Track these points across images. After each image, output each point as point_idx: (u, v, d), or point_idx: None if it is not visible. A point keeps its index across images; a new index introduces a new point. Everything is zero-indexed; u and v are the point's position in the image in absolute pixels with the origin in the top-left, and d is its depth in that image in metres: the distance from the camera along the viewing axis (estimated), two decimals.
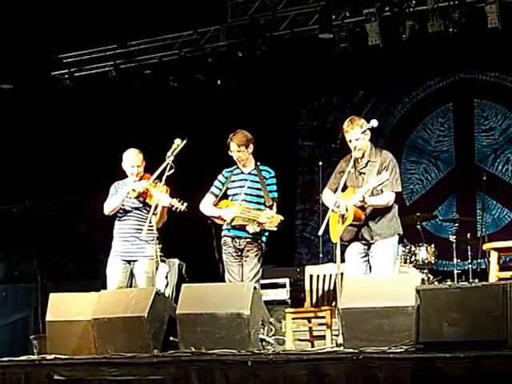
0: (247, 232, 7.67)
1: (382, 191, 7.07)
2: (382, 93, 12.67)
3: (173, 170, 7.72)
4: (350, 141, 7.17)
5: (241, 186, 7.82)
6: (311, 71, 12.05)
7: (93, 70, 12.57)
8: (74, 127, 12.81)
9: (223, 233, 7.81)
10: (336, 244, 7.03)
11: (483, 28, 10.16)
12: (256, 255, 7.72)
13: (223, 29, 11.74)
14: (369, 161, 7.19)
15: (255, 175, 7.86)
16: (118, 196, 8.11)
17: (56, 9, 11.36)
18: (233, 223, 7.66)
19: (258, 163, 7.93)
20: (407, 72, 11.93)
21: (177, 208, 7.76)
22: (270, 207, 7.69)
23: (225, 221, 7.69)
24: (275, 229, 7.57)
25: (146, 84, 12.23)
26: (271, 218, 7.52)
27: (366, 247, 7.20)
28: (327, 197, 7.42)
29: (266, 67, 11.66)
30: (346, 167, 7.19)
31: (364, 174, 7.17)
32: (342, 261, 7.14)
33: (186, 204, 7.76)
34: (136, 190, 8.00)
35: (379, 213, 7.16)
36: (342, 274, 7.00)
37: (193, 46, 11.95)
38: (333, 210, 7.01)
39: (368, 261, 7.21)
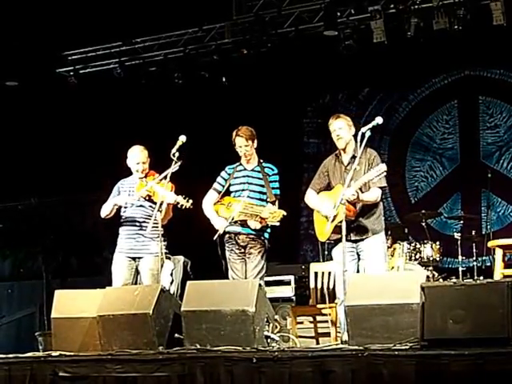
0: (250, 228, 7.68)
1: (369, 188, 7.10)
2: (386, 90, 12.66)
3: (177, 168, 7.72)
4: (334, 131, 7.23)
5: (243, 183, 7.83)
6: (316, 68, 12.04)
7: (98, 67, 12.57)
8: (79, 124, 12.83)
9: (226, 229, 7.81)
10: (324, 243, 7.08)
11: (488, 25, 10.14)
12: (259, 252, 7.72)
13: (228, 26, 11.74)
14: (354, 156, 7.19)
15: (258, 172, 7.87)
16: (107, 205, 8.13)
17: (61, 6, 11.38)
18: (235, 219, 7.66)
19: (261, 160, 7.95)
20: (412, 69, 11.91)
21: (182, 205, 7.76)
22: (273, 203, 7.70)
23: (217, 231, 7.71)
24: (278, 224, 7.57)
25: (151, 81, 12.24)
26: (273, 213, 7.52)
27: (355, 245, 7.21)
28: (311, 197, 7.46)
29: (271, 64, 11.66)
30: (331, 166, 7.34)
31: (349, 170, 7.16)
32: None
33: (191, 201, 7.77)
34: (118, 204, 8.03)
35: (368, 209, 7.20)
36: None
37: (198, 43, 11.95)
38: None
39: (356, 259, 7.22)
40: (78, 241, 13.51)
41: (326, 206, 7.18)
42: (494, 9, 9.99)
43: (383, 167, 6.89)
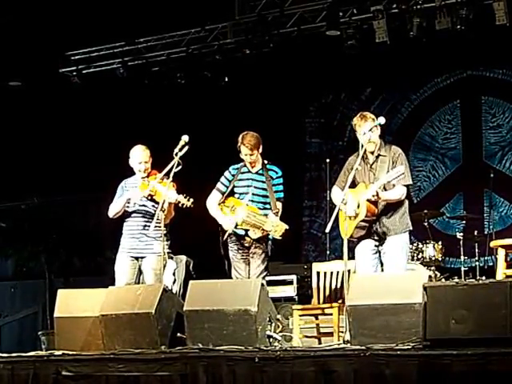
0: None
1: (394, 185, 7.08)
2: (389, 90, 12.66)
3: (180, 167, 7.72)
4: (364, 133, 7.16)
5: (248, 186, 7.83)
6: (318, 68, 12.06)
7: (101, 67, 12.59)
8: (81, 124, 12.85)
9: (230, 233, 7.81)
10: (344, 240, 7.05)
11: (491, 25, 10.15)
12: (262, 252, 7.73)
13: (231, 26, 11.75)
14: (379, 155, 7.20)
15: (262, 175, 7.86)
16: (118, 203, 8.13)
17: (64, 6, 11.39)
18: (238, 227, 7.68)
19: (266, 162, 7.93)
20: (414, 69, 11.92)
21: (183, 204, 7.76)
22: (276, 214, 7.70)
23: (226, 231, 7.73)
24: (279, 238, 7.59)
25: (154, 81, 12.26)
26: (276, 227, 7.54)
27: (378, 243, 7.21)
28: (336, 194, 7.43)
29: (274, 64, 11.67)
30: (355, 164, 7.23)
31: (374, 169, 7.18)
32: (351, 258, 7.15)
33: (192, 200, 7.76)
34: (132, 199, 8.02)
35: (392, 208, 7.17)
36: (349, 271, 7.02)
37: (200, 43, 11.97)
38: (340, 208, 7.03)
39: (378, 258, 7.22)
40: (81, 240, 13.52)
41: (348, 205, 7.13)
42: (497, 8, 10.00)
43: (401, 169, 6.88)
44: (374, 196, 6.95)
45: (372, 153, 7.22)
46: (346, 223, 7.15)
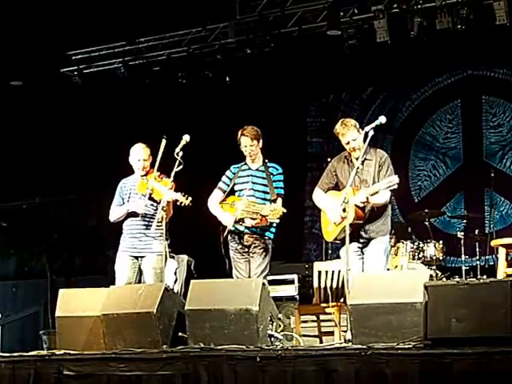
0: (254, 228, 7.68)
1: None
2: (390, 90, 12.68)
3: (181, 167, 7.73)
4: (348, 143, 7.24)
5: (247, 182, 7.84)
6: (319, 68, 12.06)
7: (102, 66, 12.60)
8: (82, 123, 12.85)
9: (230, 229, 7.82)
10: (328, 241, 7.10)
11: (491, 25, 10.16)
12: (263, 251, 7.74)
13: (232, 26, 11.75)
14: (365, 159, 7.22)
15: (262, 171, 7.88)
16: (119, 211, 8.14)
17: (65, 6, 11.40)
18: (238, 217, 7.67)
19: (266, 160, 7.96)
20: (415, 69, 11.93)
21: (181, 203, 7.76)
22: (274, 201, 7.71)
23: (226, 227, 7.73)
24: (277, 221, 7.57)
25: (155, 81, 12.27)
26: (273, 211, 7.52)
27: (361, 246, 7.28)
28: (319, 197, 7.48)
29: (275, 64, 11.67)
30: (339, 166, 7.36)
31: (360, 172, 7.20)
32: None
33: (190, 198, 7.77)
34: (131, 209, 8.03)
35: (376, 212, 7.24)
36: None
37: (201, 43, 11.98)
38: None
39: (362, 259, 7.28)
40: (83, 240, 13.53)
41: (333, 211, 7.18)
42: (497, 8, 10.01)
43: (395, 179, 6.90)
44: (363, 202, 7.00)
45: (357, 158, 7.24)
46: (331, 226, 7.22)
